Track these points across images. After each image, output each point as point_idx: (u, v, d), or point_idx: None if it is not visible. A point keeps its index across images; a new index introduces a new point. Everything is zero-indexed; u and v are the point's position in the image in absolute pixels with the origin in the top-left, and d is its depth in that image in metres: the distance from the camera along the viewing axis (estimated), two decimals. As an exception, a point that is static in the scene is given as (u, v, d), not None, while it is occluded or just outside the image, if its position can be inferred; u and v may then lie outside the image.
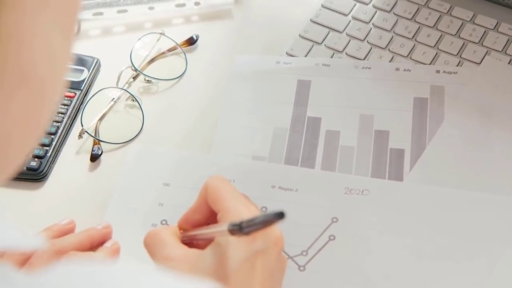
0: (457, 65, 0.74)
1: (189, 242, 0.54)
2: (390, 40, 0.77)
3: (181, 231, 0.56)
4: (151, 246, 0.54)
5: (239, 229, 0.48)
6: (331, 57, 0.76)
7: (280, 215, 0.47)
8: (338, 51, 0.77)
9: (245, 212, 0.51)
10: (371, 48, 0.76)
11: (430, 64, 0.74)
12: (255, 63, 0.76)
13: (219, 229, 0.51)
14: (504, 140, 0.68)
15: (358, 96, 0.72)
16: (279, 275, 0.52)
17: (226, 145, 0.70)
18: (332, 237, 0.63)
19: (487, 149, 0.67)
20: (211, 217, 0.54)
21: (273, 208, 0.64)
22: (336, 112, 0.72)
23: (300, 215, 0.64)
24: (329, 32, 0.78)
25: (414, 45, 0.76)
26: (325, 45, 0.77)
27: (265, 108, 0.72)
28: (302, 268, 0.61)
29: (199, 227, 0.55)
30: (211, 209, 0.54)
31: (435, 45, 0.76)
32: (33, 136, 0.32)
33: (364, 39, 0.77)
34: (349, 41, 0.77)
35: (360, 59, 0.76)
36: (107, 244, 0.63)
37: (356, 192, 0.65)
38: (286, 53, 0.77)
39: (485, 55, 0.74)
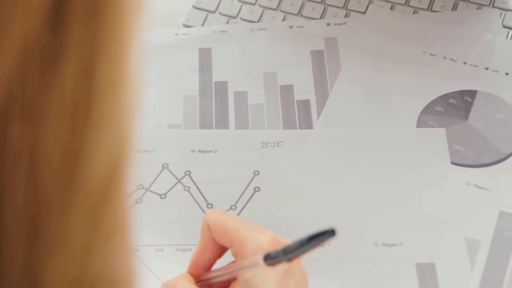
0: (345, 17, 0.79)
1: (201, 286, 0.52)
2: (280, 1, 0.80)
3: (192, 277, 0.52)
4: None
5: (281, 257, 0.45)
6: (227, 23, 0.80)
7: (331, 233, 0.43)
8: (233, 17, 0.80)
9: (262, 238, 0.49)
10: (263, 11, 0.80)
11: (320, 18, 0.79)
12: (155, 37, 0.78)
13: (250, 264, 0.47)
14: (396, 80, 0.73)
15: (258, 57, 0.76)
16: (307, 285, 0.50)
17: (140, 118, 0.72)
18: (257, 189, 0.66)
19: (382, 89, 0.73)
20: (221, 251, 0.52)
21: (196, 172, 0.68)
22: (240, 74, 0.75)
23: (223, 173, 0.67)
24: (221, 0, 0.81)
25: (303, 2, 0.80)
26: (219, 12, 0.80)
27: (172, 79, 0.75)
28: (233, 221, 0.65)
29: (218, 269, 0.52)
30: (219, 245, 0.51)
31: (322, 1, 0.80)
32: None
33: (255, 2, 0.81)
34: (241, 6, 0.81)
35: (254, 22, 0.79)
36: None
37: (272, 144, 0.69)
38: (183, 24, 0.80)
39: (368, 4, 0.79)
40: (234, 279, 0.49)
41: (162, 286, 0.52)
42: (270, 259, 0.46)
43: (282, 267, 0.47)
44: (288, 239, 0.49)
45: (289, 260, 0.45)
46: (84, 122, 0.27)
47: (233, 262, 0.51)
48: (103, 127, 0.27)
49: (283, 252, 0.45)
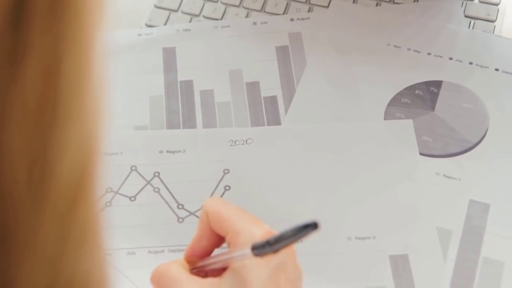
0: (308, 11, 0.79)
1: (197, 273, 0.52)
2: (242, -3, 0.80)
3: (188, 264, 0.53)
4: (162, 284, 0.50)
5: (266, 248, 0.46)
6: (190, 21, 0.79)
7: (314, 226, 0.44)
8: (196, 15, 0.79)
9: (256, 230, 0.49)
10: (226, 8, 0.80)
11: (283, 14, 0.79)
12: (118, 38, 0.77)
13: (239, 253, 0.48)
14: (362, 73, 0.73)
15: (223, 54, 0.76)
16: (300, 283, 0.50)
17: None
18: (227, 188, 0.66)
19: (349, 83, 0.73)
20: (218, 241, 0.52)
21: (165, 172, 0.67)
22: (206, 72, 0.75)
23: (193, 173, 0.67)
24: (182, -2, 0.81)
25: (265, -2, 0.80)
26: (181, 11, 0.80)
27: (136, 80, 0.74)
28: (205, 221, 0.64)
29: (210, 256, 0.52)
30: (216, 234, 0.52)
31: (284, -4, 0.80)
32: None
33: (218, 0, 0.80)
34: (204, 4, 0.80)
35: (218, 19, 0.79)
36: None
37: (240, 142, 0.68)
38: (146, 24, 0.79)
39: (331, -2, 0.80)
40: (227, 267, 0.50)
41: (155, 270, 0.51)
42: (257, 249, 0.46)
43: (275, 261, 0.48)
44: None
45: (274, 251, 0.46)
46: (49, 123, 0.26)
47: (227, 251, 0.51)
48: (69, 127, 0.27)
49: (267, 243, 0.46)
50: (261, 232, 0.48)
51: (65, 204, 0.27)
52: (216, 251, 0.53)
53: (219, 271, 0.50)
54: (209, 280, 0.49)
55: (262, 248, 0.46)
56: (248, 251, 0.47)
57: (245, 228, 0.49)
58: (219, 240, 0.52)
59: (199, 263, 0.52)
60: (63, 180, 0.27)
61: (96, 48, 0.28)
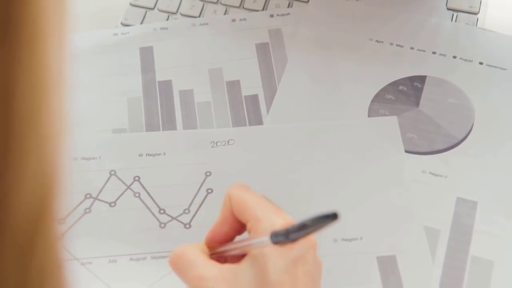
0: (288, 7, 0.77)
1: (217, 259, 0.51)
2: (220, -6, 0.78)
3: (208, 249, 0.52)
4: (180, 266, 0.50)
5: (285, 237, 0.45)
6: (167, 20, 0.77)
7: (333, 216, 0.43)
8: (173, 13, 0.77)
9: (277, 220, 0.48)
10: (203, 5, 0.78)
11: (262, 10, 0.77)
12: (93, 39, 0.75)
13: (258, 241, 0.47)
14: (344, 69, 0.72)
15: (202, 53, 0.74)
16: (318, 277, 0.50)
17: (83, 125, 0.69)
18: (209, 190, 0.64)
19: (331, 80, 0.71)
20: (240, 228, 0.52)
21: (145, 177, 0.65)
22: (185, 72, 0.73)
23: (174, 177, 0.65)
24: (159, -4, 0.79)
25: (244, -6, 0.78)
26: (158, 9, 0.78)
27: (113, 81, 0.72)
28: (188, 226, 0.63)
29: (230, 242, 0.52)
30: (238, 220, 0.51)
31: (263, -9, 0.78)
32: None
33: (195, -4, 0.78)
34: (181, 1, 0.78)
35: (195, 17, 0.77)
36: None
37: (222, 143, 0.67)
38: (121, 23, 0.77)
39: (311, -7, 0.78)
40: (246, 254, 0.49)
41: (174, 251, 0.50)
42: (276, 237, 0.46)
43: (294, 252, 0.47)
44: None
45: (293, 240, 0.45)
46: (4, 151, 0.25)
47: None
48: (25, 159, 0.25)
49: (286, 231, 0.45)
50: (282, 222, 0.48)
51: (24, 240, 0.26)
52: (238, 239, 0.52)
53: (238, 258, 0.50)
54: (227, 266, 0.49)
55: (281, 237, 0.46)
56: (267, 238, 0.46)
57: (267, 216, 0.49)
58: (241, 227, 0.51)
59: (219, 249, 0.52)
60: (21, 214, 0.25)
61: (56, 61, 0.26)
